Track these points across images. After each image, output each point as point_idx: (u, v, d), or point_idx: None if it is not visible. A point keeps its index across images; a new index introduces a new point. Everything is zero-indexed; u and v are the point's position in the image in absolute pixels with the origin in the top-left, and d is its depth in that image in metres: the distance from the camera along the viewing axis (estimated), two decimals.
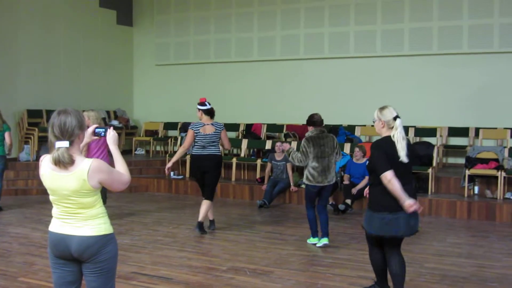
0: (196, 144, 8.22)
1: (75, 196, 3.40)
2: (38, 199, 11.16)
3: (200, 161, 8.20)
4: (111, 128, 3.75)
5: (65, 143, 3.35)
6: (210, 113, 8.30)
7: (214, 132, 8.19)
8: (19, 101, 13.18)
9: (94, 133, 3.71)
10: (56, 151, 3.34)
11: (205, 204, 8.21)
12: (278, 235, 8.35)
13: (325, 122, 12.99)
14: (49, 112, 13.67)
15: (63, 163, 3.34)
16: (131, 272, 6.34)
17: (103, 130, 3.75)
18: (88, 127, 3.68)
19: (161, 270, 6.41)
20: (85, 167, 3.36)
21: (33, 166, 12.26)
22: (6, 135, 9.98)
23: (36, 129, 12.97)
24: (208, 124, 8.25)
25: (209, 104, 8.39)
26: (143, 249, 7.41)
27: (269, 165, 11.33)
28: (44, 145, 13.30)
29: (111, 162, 9.11)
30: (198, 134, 8.17)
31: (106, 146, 9.58)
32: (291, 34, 14.16)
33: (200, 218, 8.21)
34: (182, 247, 7.56)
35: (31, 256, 7.03)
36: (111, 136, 3.71)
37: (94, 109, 9.87)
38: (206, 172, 8.20)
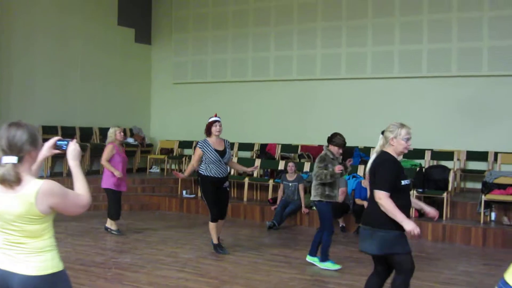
0: None
1: (19, 222, 2.94)
2: None
3: None
4: (74, 140, 3.31)
5: (12, 159, 2.94)
6: None
7: None
8: (34, 117, 13.14)
9: (55, 146, 3.30)
10: (2, 167, 2.94)
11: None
12: (283, 257, 8.13)
13: None
14: (64, 129, 13.78)
15: (8, 181, 2.90)
16: None
17: (65, 143, 3.30)
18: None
19: None
20: (33, 188, 2.92)
21: None
22: None
23: None
24: None
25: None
26: (142, 269, 7.25)
27: (281, 186, 11.13)
28: (59, 161, 13.32)
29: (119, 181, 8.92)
30: None
31: (126, 163, 9.58)
32: (307, 54, 14.01)
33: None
34: (182, 267, 7.38)
35: None
36: (71, 150, 3.24)
37: (117, 126, 9.94)
38: None
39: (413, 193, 10.44)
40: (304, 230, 10.52)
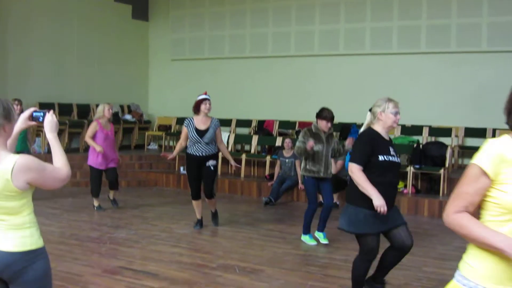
0: None
1: None
2: (46, 192, 11.08)
3: None
4: (51, 111, 3.18)
5: None
6: None
7: None
8: (31, 94, 13.08)
9: (32, 118, 3.16)
10: None
11: None
12: (278, 233, 8.14)
13: (338, 120, 12.89)
14: (61, 106, 13.73)
15: None
16: (118, 266, 6.21)
17: (41, 114, 3.15)
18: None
19: (149, 266, 6.25)
20: (9, 164, 2.79)
21: (44, 158, 12.14)
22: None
23: None
24: None
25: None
26: (136, 244, 7.26)
27: (278, 162, 11.11)
28: None
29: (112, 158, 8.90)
30: None
31: (111, 140, 9.47)
32: (306, 30, 13.90)
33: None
34: (176, 243, 7.40)
35: None
36: (48, 121, 3.10)
37: (107, 103, 9.82)
38: None
39: (410, 169, 10.44)
40: (300, 206, 10.49)
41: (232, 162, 8.32)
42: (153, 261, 6.45)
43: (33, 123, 3.18)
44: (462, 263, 2.41)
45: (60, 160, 3.02)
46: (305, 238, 7.51)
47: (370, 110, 4.81)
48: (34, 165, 2.85)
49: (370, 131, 4.75)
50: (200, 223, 8.27)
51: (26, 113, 3.16)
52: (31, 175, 2.83)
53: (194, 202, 8.18)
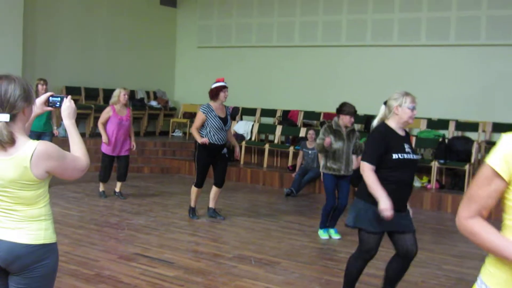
0: None
1: (12, 188, 2.66)
2: None
3: None
4: (69, 97, 3.00)
5: (5, 117, 2.61)
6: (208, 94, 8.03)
7: None
8: (58, 78, 13.19)
9: (48, 103, 2.99)
10: None
11: None
12: (297, 225, 8.09)
13: (364, 112, 12.76)
14: (88, 90, 13.82)
15: (1, 142, 2.60)
16: (134, 253, 6.22)
17: (59, 99, 2.97)
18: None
19: (165, 254, 6.25)
20: (28, 151, 2.63)
21: (68, 143, 12.29)
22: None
23: None
24: None
25: (213, 84, 8.02)
26: (154, 231, 7.28)
27: (300, 153, 11.03)
28: (82, 122, 13.41)
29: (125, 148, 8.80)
30: None
31: (126, 126, 9.30)
32: (333, 20, 13.74)
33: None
34: (194, 231, 7.40)
35: None
36: (66, 107, 2.93)
37: (124, 87, 9.64)
38: None
39: (435, 164, 10.27)
40: (322, 198, 10.32)
41: (237, 151, 8.33)
42: (169, 249, 6.45)
43: (50, 108, 3.01)
44: (483, 266, 2.27)
45: (79, 149, 2.86)
46: (320, 232, 7.45)
47: (385, 103, 4.59)
48: (55, 153, 2.69)
49: (383, 127, 4.55)
50: (194, 211, 8.19)
51: (43, 98, 2.99)
52: (51, 163, 2.68)
53: (197, 190, 8.03)
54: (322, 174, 7.37)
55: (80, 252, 6.13)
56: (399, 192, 4.44)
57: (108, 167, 9.30)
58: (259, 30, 14.89)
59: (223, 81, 7.91)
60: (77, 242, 6.52)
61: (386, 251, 6.63)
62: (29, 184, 2.67)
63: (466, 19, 12.13)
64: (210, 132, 7.76)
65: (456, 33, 12.26)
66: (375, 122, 4.65)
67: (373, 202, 4.37)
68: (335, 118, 7.24)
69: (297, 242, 7.10)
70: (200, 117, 7.79)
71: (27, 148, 2.64)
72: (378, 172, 4.42)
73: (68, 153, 2.78)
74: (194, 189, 8.07)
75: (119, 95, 9.15)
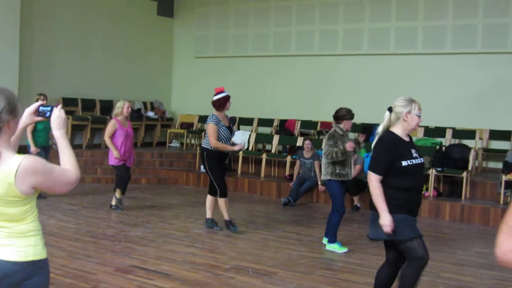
0: None
1: None
2: None
3: None
4: (59, 106, 2.85)
5: None
6: (212, 105, 7.90)
7: (207, 124, 7.94)
8: (54, 89, 13.18)
9: (38, 113, 2.86)
10: None
11: (218, 203, 7.94)
12: (295, 234, 8.05)
13: (361, 121, 12.73)
14: (84, 101, 13.81)
15: None
16: (131, 265, 6.18)
17: (49, 109, 2.84)
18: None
19: (162, 265, 6.21)
20: (13, 166, 2.50)
21: None
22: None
23: (70, 118, 12.95)
24: None
25: (217, 95, 7.85)
26: (151, 243, 7.24)
27: (297, 163, 11.01)
28: (78, 133, 13.40)
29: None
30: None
31: (131, 136, 9.31)
32: (330, 29, 13.77)
33: (224, 217, 7.99)
34: (191, 242, 7.35)
35: None
36: (56, 117, 2.79)
37: (127, 100, 9.64)
38: None
39: (432, 171, 10.25)
40: (319, 207, 10.41)
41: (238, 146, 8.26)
42: (166, 260, 6.41)
43: (39, 118, 2.87)
44: None
45: (69, 161, 2.71)
46: (335, 247, 7.17)
47: (390, 109, 4.53)
48: (41, 167, 2.55)
49: (390, 135, 4.48)
50: (232, 223, 8.08)
51: (32, 108, 2.85)
52: (37, 179, 2.54)
53: (225, 200, 7.90)
54: (326, 182, 7.23)
55: (76, 265, 6.09)
56: (414, 198, 4.47)
57: (125, 176, 9.23)
58: (256, 40, 14.91)
59: (223, 90, 7.86)
60: (73, 255, 6.48)
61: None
62: (14, 200, 2.55)
63: (462, 27, 12.16)
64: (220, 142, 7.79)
65: (452, 41, 12.29)
66: (380, 129, 4.57)
67: (395, 210, 4.36)
68: (337, 125, 7.23)
69: (294, 252, 7.06)
70: (214, 129, 7.70)
71: (12, 163, 2.51)
72: (390, 180, 4.38)
73: (56, 166, 2.65)
74: (222, 201, 7.88)
75: (123, 107, 9.13)
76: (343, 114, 7.23)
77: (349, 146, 6.96)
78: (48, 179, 2.58)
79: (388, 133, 4.53)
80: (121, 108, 9.10)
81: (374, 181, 4.37)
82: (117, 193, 9.31)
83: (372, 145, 4.67)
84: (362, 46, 13.37)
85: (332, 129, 7.26)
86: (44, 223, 8.01)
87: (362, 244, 7.54)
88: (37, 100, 9.43)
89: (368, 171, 4.45)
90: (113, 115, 9.23)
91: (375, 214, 4.44)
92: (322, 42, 13.92)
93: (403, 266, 4.60)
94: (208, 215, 8.13)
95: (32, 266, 2.63)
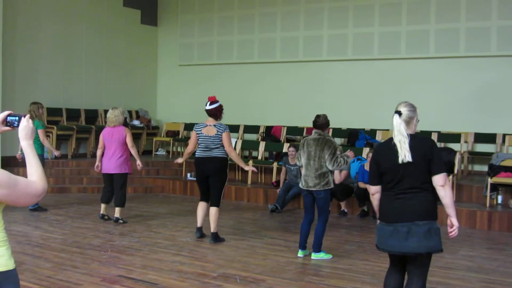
0: (199, 146, 7.92)
1: None
2: (52, 198, 11.04)
3: (203, 164, 7.81)
4: (27, 116, 2.77)
5: None
6: (210, 113, 7.85)
7: (215, 134, 7.77)
8: (39, 99, 12.88)
9: (6, 123, 2.78)
10: None
11: (212, 213, 7.75)
12: (282, 241, 8.02)
13: (347, 126, 12.76)
14: (69, 111, 13.72)
15: None
16: (117, 275, 6.12)
17: (16, 118, 2.75)
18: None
19: (148, 275, 6.16)
20: None
21: (51, 165, 12.19)
22: (39, 132, 9.63)
23: (55, 127, 12.87)
24: (210, 125, 7.83)
25: (215, 103, 7.90)
26: (138, 252, 7.18)
27: (283, 169, 11.00)
28: (64, 143, 13.31)
29: (127, 165, 8.72)
30: (200, 135, 7.84)
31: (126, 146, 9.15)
32: (314, 35, 13.81)
33: (212, 229, 7.76)
34: (178, 251, 7.30)
35: (22, 255, 6.85)
36: (24, 127, 2.71)
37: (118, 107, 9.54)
38: (210, 176, 7.78)
39: None
40: None
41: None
42: (153, 269, 6.36)
43: (7, 128, 2.79)
44: None
45: (36, 172, 2.63)
46: (322, 255, 7.03)
47: (400, 113, 4.27)
48: (4, 180, 2.46)
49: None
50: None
51: (0, 117, 2.79)
52: (1, 192, 2.45)
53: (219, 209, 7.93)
54: (323, 191, 6.89)
55: (62, 276, 6.02)
56: None
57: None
58: (240, 47, 14.91)
59: (215, 99, 7.90)
60: (59, 266, 6.41)
61: (372, 265, 6.63)
62: None
63: (445, 31, 12.24)
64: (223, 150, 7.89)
65: (435, 45, 12.36)
66: (404, 132, 4.24)
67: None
68: (323, 132, 7.18)
69: (282, 258, 7.03)
70: (229, 136, 7.90)
71: None
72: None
73: (21, 178, 2.54)
74: (217, 210, 7.80)
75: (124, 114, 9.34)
76: (326, 122, 7.22)
77: (352, 154, 7.00)
78: (12, 193, 2.49)
79: (428, 137, 4.50)
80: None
81: (448, 181, 4.28)
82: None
83: (407, 156, 4.20)
84: (347, 51, 13.41)
85: (329, 138, 7.05)
86: (29, 234, 7.99)
87: (349, 250, 7.55)
88: (38, 110, 9.75)
89: (443, 174, 4.22)
90: (122, 124, 9.11)
91: (431, 223, 4.29)
92: (306, 48, 13.95)
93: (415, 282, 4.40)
94: (199, 224, 8.03)
95: (1, 276, 2.57)
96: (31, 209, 9.66)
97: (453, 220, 4.34)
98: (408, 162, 4.19)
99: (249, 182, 12.08)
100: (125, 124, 9.51)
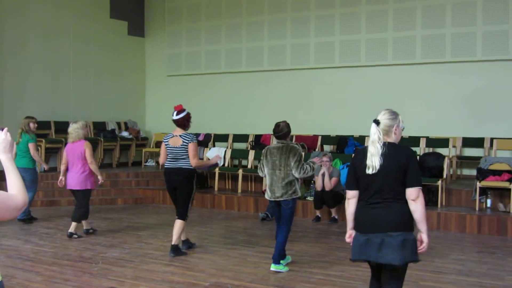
0: (168, 156, 7.68)
1: None
2: (41, 211, 11.00)
3: (170, 175, 7.64)
4: (5, 129, 2.72)
5: None
6: (177, 124, 7.67)
7: (181, 144, 7.51)
8: (26, 112, 12.90)
9: None
10: None
11: (176, 225, 7.58)
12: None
13: (335, 133, 12.81)
14: (58, 124, 13.68)
15: None
16: (109, 287, 6.10)
17: None
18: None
19: (140, 286, 6.15)
20: None
21: (40, 178, 12.12)
22: (29, 146, 9.74)
23: (44, 141, 12.82)
24: (176, 136, 7.60)
25: (182, 112, 7.67)
26: (129, 263, 7.16)
27: None
28: (53, 156, 13.26)
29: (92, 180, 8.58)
30: (168, 146, 7.64)
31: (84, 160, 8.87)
32: (301, 43, 13.87)
33: (173, 241, 7.56)
34: (170, 261, 7.30)
35: (13, 269, 6.80)
36: (2, 140, 2.65)
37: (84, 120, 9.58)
38: (177, 188, 7.62)
39: None
40: (297, 221, 10.36)
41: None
42: (144, 281, 6.35)
43: None
44: None
45: (15, 185, 2.57)
46: (281, 268, 6.83)
47: (378, 122, 4.19)
48: None
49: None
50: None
51: None
52: None
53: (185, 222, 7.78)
54: (291, 200, 6.85)
55: None
56: None
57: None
58: (228, 56, 14.96)
59: (182, 108, 7.77)
60: (50, 279, 6.38)
61: (363, 271, 6.64)
62: None
63: (431, 37, 12.34)
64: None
65: (422, 51, 12.46)
66: (378, 144, 4.15)
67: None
68: (289, 140, 7.19)
69: None
70: (197, 148, 7.67)
71: None
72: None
73: (1, 192, 2.50)
74: (184, 223, 7.65)
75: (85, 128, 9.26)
76: (289, 130, 7.16)
77: (318, 160, 6.96)
78: None
79: (408, 148, 4.33)
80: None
81: (421, 196, 4.15)
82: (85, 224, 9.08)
83: (377, 164, 4.14)
84: (334, 59, 13.48)
85: (293, 145, 7.00)
86: (20, 248, 7.95)
87: (340, 256, 7.56)
88: (28, 124, 9.81)
89: (416, 188, 4.13)
90: (81, 138, 8.98)
91: (408, 234, 4.16)
92: (294, 56, 14.01)
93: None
94: (183, 237, 7.95)
95: None
96: (20, 219, 9.65)
97: (423, 236, 4.20)
98: (380, 172, 4.11)
99: (239, 191, 12.09)
100: (93, 137, 9.29)
